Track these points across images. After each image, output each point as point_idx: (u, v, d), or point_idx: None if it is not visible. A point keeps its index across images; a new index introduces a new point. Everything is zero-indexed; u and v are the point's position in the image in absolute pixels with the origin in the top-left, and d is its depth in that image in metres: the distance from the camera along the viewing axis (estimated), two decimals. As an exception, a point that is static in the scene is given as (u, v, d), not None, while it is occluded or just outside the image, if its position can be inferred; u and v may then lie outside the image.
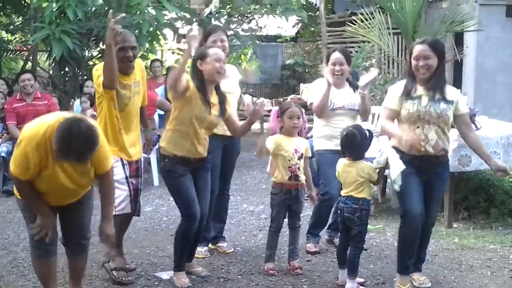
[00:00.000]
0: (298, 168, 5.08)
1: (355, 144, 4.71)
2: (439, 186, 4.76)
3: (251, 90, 20.32)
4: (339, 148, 5.28)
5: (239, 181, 8.92)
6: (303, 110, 5.33)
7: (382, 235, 6.18)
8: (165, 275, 4.99)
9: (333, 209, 5.70)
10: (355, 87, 5.64)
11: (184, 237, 4.77)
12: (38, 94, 8.71)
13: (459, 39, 12.05)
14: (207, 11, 14.25)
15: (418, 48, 4.61)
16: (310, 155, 5.26)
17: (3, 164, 8.41)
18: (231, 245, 5.77)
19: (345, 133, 4.75)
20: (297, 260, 5.18)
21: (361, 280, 4.84)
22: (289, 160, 5.06)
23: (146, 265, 5.28)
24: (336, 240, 5.59)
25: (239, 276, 5.05)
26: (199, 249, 5.30)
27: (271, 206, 5.28)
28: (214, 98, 4.79)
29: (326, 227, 5.87)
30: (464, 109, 4.75)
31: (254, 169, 9.78)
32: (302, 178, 5.11)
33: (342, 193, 4.77)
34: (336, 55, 5.55)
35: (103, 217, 4.16)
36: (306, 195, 5.27)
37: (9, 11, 13.00)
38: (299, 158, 5.08)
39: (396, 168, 4.51)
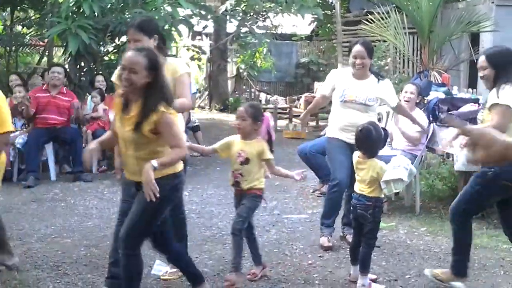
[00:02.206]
0: (241, 174, 4.66)
1: (369, 141, 4.69)
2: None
3: (265, 88, 20.38)
4: (348, 140, 5.45)
5: (252, 177, 8.95)
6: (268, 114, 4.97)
7: (395, 232, 6.17)
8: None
9: (343, 200, 5.68)
10: (379, 78, 5.69)
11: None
12: (63, 90, 8.80)
13: (475, 39, 11.99)
14: (222, 8, 14.30)
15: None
16: (267, 157, 4.69)
17: (18, 155, 8.48)
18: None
19: (360, 129, 4.73)
20: (261, 268, 4.92)
21: (373, 276, 4.84)
22: (233, 165, 4.72)
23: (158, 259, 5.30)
24: (349, 237, 5.58)
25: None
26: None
27: None
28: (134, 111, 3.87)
29: (341, 224, 5.86)
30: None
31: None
32: (246, 185, 4.66)
33: (356, 189, 4.77)
34: (357, 48, 5.54)
35: None
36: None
37: (26, 6, 13.10)
38: (242, 163, 4.64)
39: (395, 174, 4.57)
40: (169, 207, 4.02)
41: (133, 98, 3.83)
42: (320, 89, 5.87)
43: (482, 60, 4.57)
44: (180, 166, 3.96)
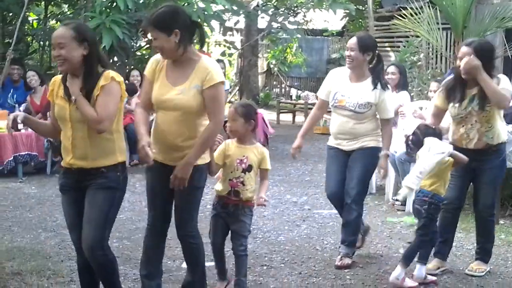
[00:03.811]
0: (242, 183, 4.21)
1: (419, 143, 4.69)
2: (486, 171, 4.80)
3: (296, 84, 20.35)
4: (341, 147, 5.15)
5: (283, 172, 8.95)
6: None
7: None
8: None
9: None
10: (376, 83, 5.02)
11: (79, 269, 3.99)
12: None
13: (509, 35, 11.82)
14: (253, 3, 14.31)
15: (462, 50, 4.71)
16: (267, 166, 4.31)
17: (51, 148, 8.58)
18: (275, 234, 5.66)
19: (411, 133, 4.80)
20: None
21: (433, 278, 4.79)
22: (231, 172, 4.24)
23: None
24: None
25: (282, 265, 5.08)
26: None
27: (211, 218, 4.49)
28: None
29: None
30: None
31: (297, 161, 9.78)
32: (248, 195, 4.22)
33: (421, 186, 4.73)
34: (350, 41, 5.06)
35: None
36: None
37: (60, 1, 13.26)
38: (244, 171, 4.21)
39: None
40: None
41: (76, 76, 3.61)
42: (318, 93, 5.38)
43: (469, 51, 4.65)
44: (125, 156, 3.76)
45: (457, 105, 4.75)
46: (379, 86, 5.01)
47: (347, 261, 5.03)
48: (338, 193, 5.10)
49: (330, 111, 5.37)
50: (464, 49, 4.68)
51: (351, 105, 5.02)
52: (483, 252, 4.97)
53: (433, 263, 4.95)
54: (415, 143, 4.72)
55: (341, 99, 5.06)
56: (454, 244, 5.57)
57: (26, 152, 8.32)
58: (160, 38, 3.76)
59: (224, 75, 10.02)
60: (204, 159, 3.92)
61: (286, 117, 15.78)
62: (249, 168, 4.21)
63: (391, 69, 7.60)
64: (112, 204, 3.68)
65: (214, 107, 3.81)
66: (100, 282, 3.89)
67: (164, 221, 4.09)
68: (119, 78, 3.58)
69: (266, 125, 4.34)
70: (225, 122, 4.14)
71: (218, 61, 10.45)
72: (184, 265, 4.83)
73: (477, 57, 4.58)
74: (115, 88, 3.56)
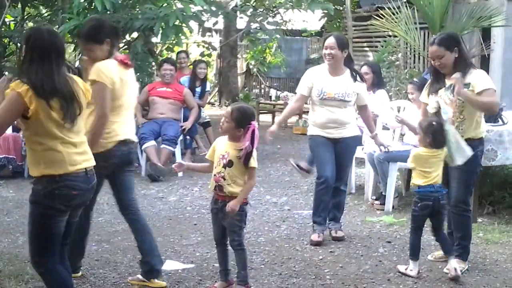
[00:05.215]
0: (223, 178, 4.30)
1: (439, 132, 4.76)
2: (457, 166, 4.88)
3: (275, 84, 20.38)
4: (329, 136, 5.66)
5: (262, 173, 8.95)
6: None
7: (406, 228, 6.13)
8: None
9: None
10: (355, 76, 5.72)
11: None
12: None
13: (486, 34, 11.91)
14: (232, 4, 14.30)
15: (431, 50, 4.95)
16: (250, 164, 4.29)
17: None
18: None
19: (433, 122, 4.80)
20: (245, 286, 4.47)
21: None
22: (215, 168, 4.38)
23: (170, 253, 5.33)
24: (340, 232, 5.82)
25: (262, 266, 5.08)
26: None
27: None
28: None
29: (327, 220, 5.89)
30: None
31: (277, 162, 9.82)
32: (230, 190, 4.29)
33: (428, 182, 4.79)
34: (328, 40, 5.67)
35: None
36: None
37: (37, 2, 13.13)
38: (225, 166, 4.29)
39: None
40: (56, 216, 3.56)
41: None
42: (298, 89, 5.82)
43: (435, 49, 4.85)
44: (63, 169, 3.52)
45: (434, 93, 4.98)
46: (358, 78, 5.76)
47: (341, 233, 5.80)
48: (333, 178, 5.65)
49: (305, 111, 5.79)
50: (432, 48, 4.90)
51: (339, 95, 5.63)
52: (462, 250, 5.02)
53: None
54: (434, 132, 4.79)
55: (329, 92, 5.62)
56: (433, 243, 5.62)
57: (3, 155, 8.25)
58: (95, 48, 4.36)
59: (206, 76, 10.00)
60: (97, 148, 4.16)
61: (266, 118, 15.78)
62: (229, 164, 4.30)
63: (364, 69, 7.60)
64: (34, 219, 3.60)
65: (96, 101, 4.19)
66: None
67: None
68: (19, 88, 3.41)
69: (253, 140, 4.27)
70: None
71: (201, 61, 10.41)
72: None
73: (445, 48, 4.83)
74: (10, 97, 3.44)
